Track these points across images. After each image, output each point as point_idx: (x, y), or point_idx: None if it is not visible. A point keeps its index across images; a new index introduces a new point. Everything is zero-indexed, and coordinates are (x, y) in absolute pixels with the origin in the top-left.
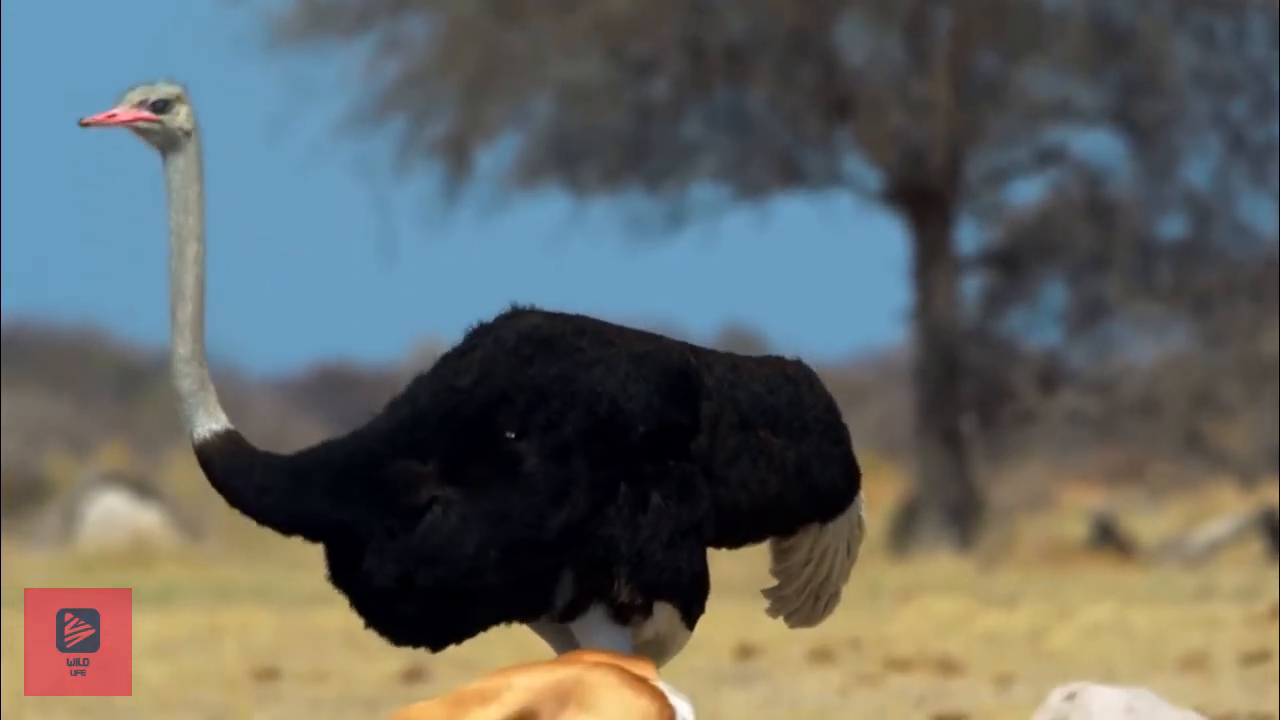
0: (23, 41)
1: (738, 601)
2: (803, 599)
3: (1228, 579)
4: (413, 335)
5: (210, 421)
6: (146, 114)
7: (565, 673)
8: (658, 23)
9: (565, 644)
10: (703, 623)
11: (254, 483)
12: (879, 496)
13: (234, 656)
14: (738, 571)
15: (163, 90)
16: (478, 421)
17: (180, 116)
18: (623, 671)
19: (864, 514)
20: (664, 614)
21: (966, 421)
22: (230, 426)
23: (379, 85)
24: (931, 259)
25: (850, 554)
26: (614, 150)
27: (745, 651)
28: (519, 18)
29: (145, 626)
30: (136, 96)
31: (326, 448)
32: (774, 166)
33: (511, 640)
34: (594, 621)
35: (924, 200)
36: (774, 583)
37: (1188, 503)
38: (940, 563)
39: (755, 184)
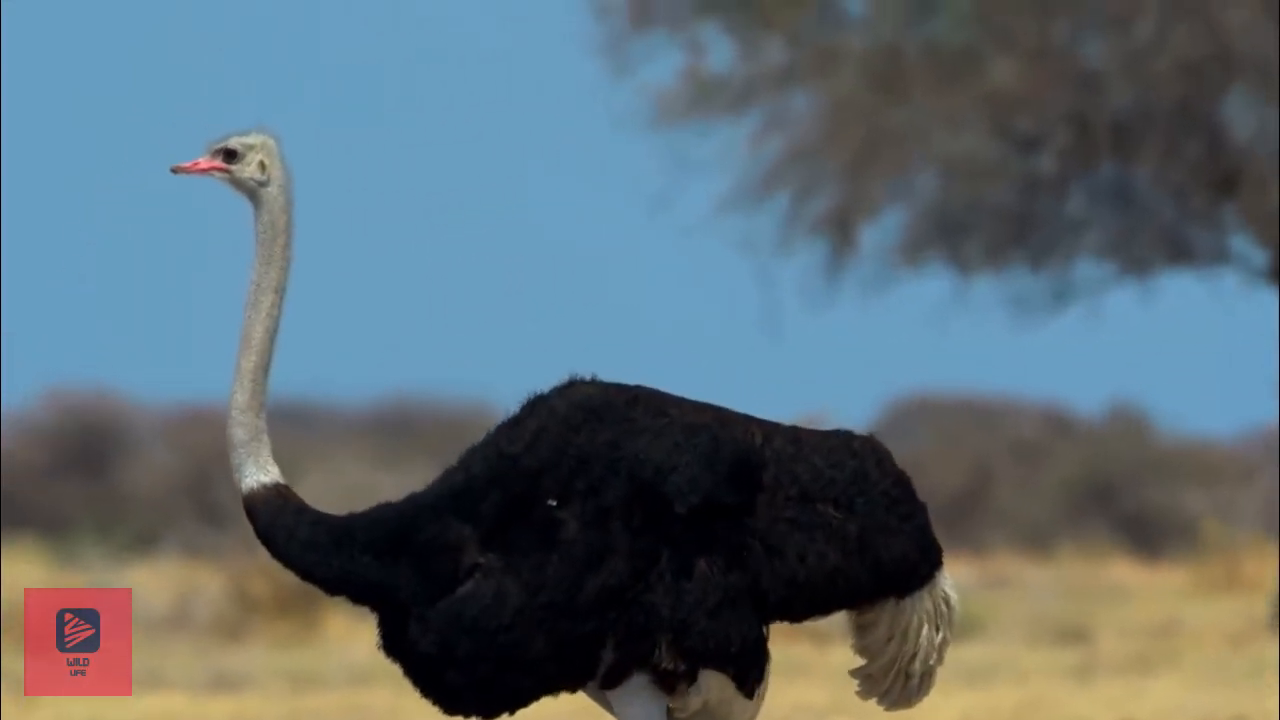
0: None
1: (1120, 678)
2: (891, 678)
3: None
4: (797, 411)
5: (259, 473)
6: (218, 164)
7: None
8: (1043, 98)
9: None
10: (1083, 699)
11: (298, 537)
12: (1265, 573)
13: None
14: (1119, 649)
15: (240, 140)
16: (522, 488)
17: (250, 167)
18: None
19: (950, 591)
20: (714, 683)
21: None
22: (280, 480)
23: (762, 161)
24: None
25: (939, 632)
26: (998, 225)
27: None
28: (902, 94)
29: None
30: (217, 145)
31: (379, 509)
32: (1159, 243)
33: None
34: (631, 688)
35: None
36: (861, 661)
37: None
38: None
39: (1140, 261)
